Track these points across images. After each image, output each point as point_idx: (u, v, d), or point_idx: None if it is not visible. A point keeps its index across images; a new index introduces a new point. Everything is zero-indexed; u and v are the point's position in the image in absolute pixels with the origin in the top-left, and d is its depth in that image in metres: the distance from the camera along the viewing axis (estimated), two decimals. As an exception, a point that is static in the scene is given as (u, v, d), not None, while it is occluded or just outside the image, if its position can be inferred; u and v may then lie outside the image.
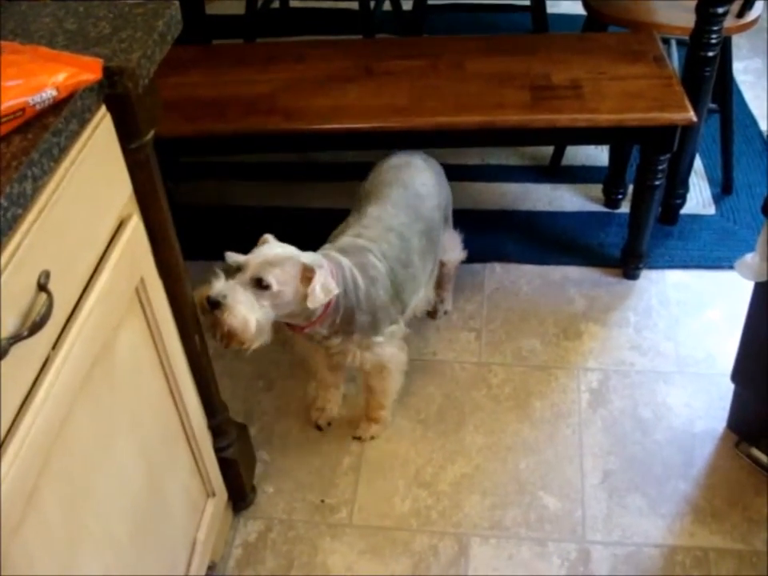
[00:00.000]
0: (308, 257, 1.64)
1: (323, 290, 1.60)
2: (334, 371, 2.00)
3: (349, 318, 1.74)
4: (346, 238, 1.82)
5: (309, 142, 2.15)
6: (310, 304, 1.61)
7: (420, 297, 1.98)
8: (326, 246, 1.81)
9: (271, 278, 1.57)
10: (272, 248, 1.64)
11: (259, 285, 1.58)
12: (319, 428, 2.03)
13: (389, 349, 1.85)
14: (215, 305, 1.54)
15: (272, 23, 3.34)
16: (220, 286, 1.56)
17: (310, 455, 1.97)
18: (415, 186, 1.94)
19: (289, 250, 1.65)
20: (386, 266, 1.79)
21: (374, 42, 2.87)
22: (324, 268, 1.62)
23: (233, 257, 1.62)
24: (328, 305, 1.68)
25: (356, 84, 2.17)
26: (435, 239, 1.98)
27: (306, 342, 1.86)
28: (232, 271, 1.61)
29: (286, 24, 3.49)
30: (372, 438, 1.99)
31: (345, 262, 1.73)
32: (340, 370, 2.01)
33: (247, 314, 1.55)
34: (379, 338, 1.81)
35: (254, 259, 1.60)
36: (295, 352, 2.01)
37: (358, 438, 1.99)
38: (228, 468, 1.71)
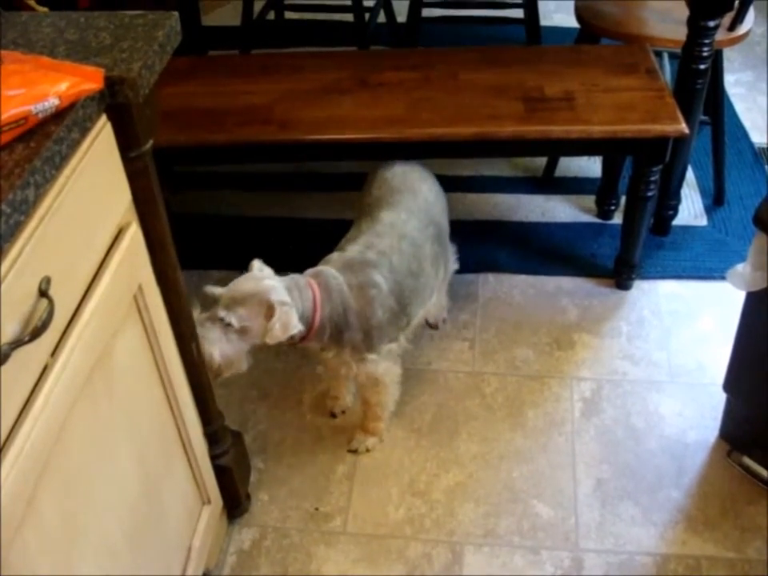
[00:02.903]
0: (281, 290, 1.66)
1: (282, 327, 1.64)
2: None
3: (337, 337, 1.77)
4: (355, 248, 1.83)
5: (304, 152, 2.16)
6: (269, 340, 1.65)
7: (432, 302, 2.02)
8: (334, 255, 1.83)
9: (233, 318, 1.63)
10: (243, 282, 1.67)
11: (223, 322, 1.63)
12: (334, 415, 2.07)
13: (383, 364, 1.86)
14: None
15: (267, 35, 3.36)
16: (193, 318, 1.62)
17: (305, 463, 1.98)
18: (423, 191, 1.98)
19: (261, 284, 1.66)
20: (392, 282, 1.80)
21: (368, 53, 2.89)
22: (287, 305, 1.64)
23: (210, 290, 1.68)
24: (311, 327, 1.72)
25: (351, 95, 2.19)
26: (445, 244, 2.03)
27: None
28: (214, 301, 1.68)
29: (282, 35, 3.51)
30: (367, 450, 1.99)
31: (337, 282, 1.75)
32: None
33: (210, 349, 1.62)
34: (373, 356, 1.82)
35: (223, 296, 1.66)
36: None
37: (354, 451, 2.00)
38: (223, 475, 1.71)
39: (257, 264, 1.72)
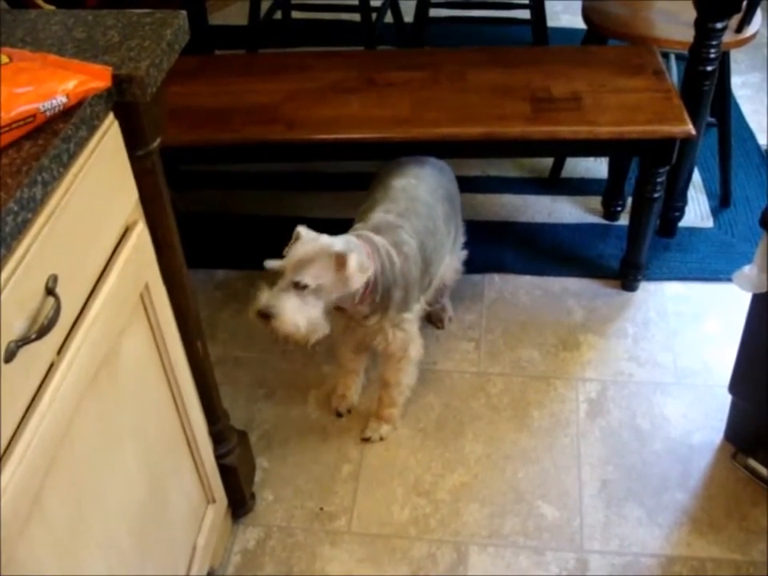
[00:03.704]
0: (340, 242, 1.69)
1: (360, 269, 1.66)
2: (358, 355, 2.04)
3: (386, 295, 1.79)
4: (377, 215, 1.87)
5: (311, 151, 2.16)
6: (352, 286, 1.67)
7: (447, 264, 2.06)
8: (358, 225, 1.86)
9: (307, 278, 1.64)
10: (303, 245, 1.68)
11: (298, 286, 1.64)
12: (339, 414, 2.08)
13: (414, 329, 1.91)
14: (266, 316, 1.63)
15: (274, 34, 3.37)
16: (266, 297, 1.65)
17: (310, 463, 1.98)
18: (430, 162, 2.04)
19: (320, 241, 1.68)
20: (417, 241, 1.85)
21: (375, 53, 2.89)
22: (355, 251, 1.67)
23: (270, 263, 1.69)
24: (368, 285, 1.74)
25: (358, 95, 2.19)
26: (456, 208, 2.08)
27: (342, 322, 1.92)
28: (276, 276, 1.69)
29: (289, 35, 3.51)
30: (381, 438, 2.00)
31: (379, 241, 1.78)
32: (363, 354, 2.06)
33: (295, 317, 1.64)
34: (409, 315, 1.87)
35: (288, 262, 1.66)
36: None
37: (367, 439, 2.00)
38: (228, 475, 1.72)
39: (303, 229, 1.72)
